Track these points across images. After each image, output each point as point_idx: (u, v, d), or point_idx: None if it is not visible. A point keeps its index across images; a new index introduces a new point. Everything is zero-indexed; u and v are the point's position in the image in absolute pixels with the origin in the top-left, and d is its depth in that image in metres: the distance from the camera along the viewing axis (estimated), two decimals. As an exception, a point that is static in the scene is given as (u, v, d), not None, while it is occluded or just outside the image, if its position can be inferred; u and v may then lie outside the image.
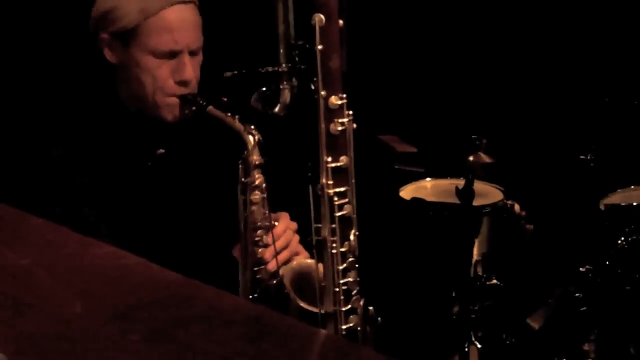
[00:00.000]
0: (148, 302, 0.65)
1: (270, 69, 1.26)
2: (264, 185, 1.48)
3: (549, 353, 2.14)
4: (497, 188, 2.43)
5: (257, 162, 1.47)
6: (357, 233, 1.17)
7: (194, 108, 1.56)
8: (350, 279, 1.17)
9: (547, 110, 2.59)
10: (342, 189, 1.14)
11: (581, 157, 2.22)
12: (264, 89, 1.27)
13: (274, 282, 1.52)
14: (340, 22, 1.12)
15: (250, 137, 1.45)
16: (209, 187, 1.68)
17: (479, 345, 2.20)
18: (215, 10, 1.65)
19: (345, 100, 1.13)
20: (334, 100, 1.12)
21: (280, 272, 1.51)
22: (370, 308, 1.22)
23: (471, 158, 2.24)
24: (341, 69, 1.12)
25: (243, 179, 1.48)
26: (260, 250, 1.51)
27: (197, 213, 1.66)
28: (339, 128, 1.12)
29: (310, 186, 1.15)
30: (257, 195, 1.48)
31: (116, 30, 1.59)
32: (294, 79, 1.20)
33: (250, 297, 1.51)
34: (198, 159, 1.70)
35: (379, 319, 1.22)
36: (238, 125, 1.46)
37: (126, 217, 1.56)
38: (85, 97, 1.71)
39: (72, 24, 1.91)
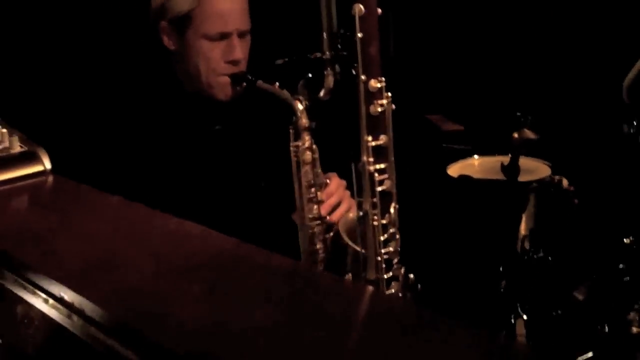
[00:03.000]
0: (207, 260, 0.77)
1: (318, 55, 1.34)
2: (314, 146, 1.57)
3: (594, 323, 2.18)
4: (545, 164, 2.47)
5: (306, 126, 1.55)
6: (397, 206, 1.25)
7: (244, 84, 1.69)
8: (391, 249, 1.26)
9: (592, 85, 2.60)
10: (382, 166, 1.22)
11: (624, 129, 2.23)
12: (310, 75, 1.36)
13: (331, 234, 1.60)
14: (379, 10, 1.20)
15: (298, 103, 1.54)
16: (265, 157, 1.81)
17: (525, 317, 2.26)
18: (267, 6, 1.78)
19: (384, 84, 1.21)
20: (374, 83, 1.20)
21: (336, 225, 1.59)
22: (411, 276, 1.30)
23: (515, 135, 2.28)
24: (379, 55, 1.20)
25: (294, 142, 1.57)
26: (315, 206, 1.60)
27: (256, 183, 1.79)
28: (379, 109, 1.20)
29: (352, 163, 1.24)
30: (308, 156, 1.57)
31: (173, 17, 1.74)
32: (336, 66, 1.28)
33: (310, 250, 1.61)
34: (252, 132, 1.83)
35: (419, 285, 1.31)
36: (286, 93, 1.56)
37: (188, 191, 1.70)
38: (147, 83, 1.86)
39: (135, 15, 2.05)
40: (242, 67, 1.75)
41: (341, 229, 1.51)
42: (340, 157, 1.33)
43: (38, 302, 0.79)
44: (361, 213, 1.25)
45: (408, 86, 2.60)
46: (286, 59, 1.75)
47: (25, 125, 1.30)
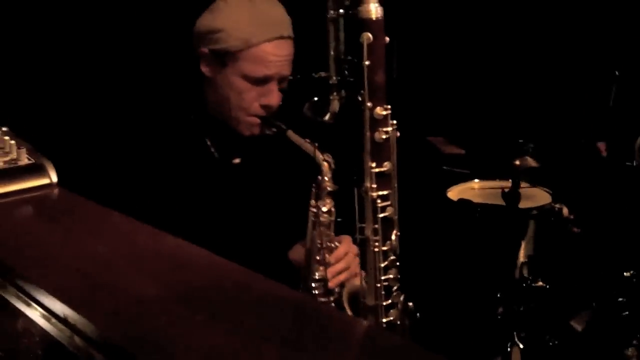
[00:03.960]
0: (210, 286, 0.77)
1: (323, 74, 1.35)
2: (332, 209, 1.58)
3: (592, 356, 2.17)
4: (545, 191, 2.47)
5: (329, 189, 1.57)
6: (398, 233, 1.26)
7: (274, 130, 1.68)
8: (391, 276, 1.26)
9: (595, 116, 2.62)
10: (384, 192, 1.22)
11: (627, 163, 2.24)
12: (315, 98, 1.37)
13: (331, 298, 1.61)
14: (387, 39, 1.21)
15: (326, 164, 1.56)
16: (277, 199, 1.78)
17: (521, 346, 2.25)
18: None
19: (389, 111, 1.21)
20: (379, 111, 1.20)
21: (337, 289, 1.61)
22: (410, 303, 1.30)
23: (517, 162, 2.28)
24: (386, 82, 1.21)
25: (314, 202, 1.58)
26: (321, 268, 1.61)
27: (265, 220, 1.77)
28: (383, 136, 1.21)
29: (355, 189, 1.24)
30: (325, 219, 1.58)
31: (217, 50, 1.69)
32: (342, 91, 1.29)
33: None
34: (270, 172, 1.81)
35: (418, 314, 1.30)
36: (316, 152, 1.56)
37: (194, 216, 1.68)
38: (173, 101, 1.84)
39: (172, 36, 2.05)
40: (275, 110, 1.73)
41: (344, 295, 1.51)
42: (343, 181, 1.33)
43: (39, 318, 0.80)
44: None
45: (411, 108, 2.61)
46: (290, 77, 1.76)
47: (35, 136, 1.29)
